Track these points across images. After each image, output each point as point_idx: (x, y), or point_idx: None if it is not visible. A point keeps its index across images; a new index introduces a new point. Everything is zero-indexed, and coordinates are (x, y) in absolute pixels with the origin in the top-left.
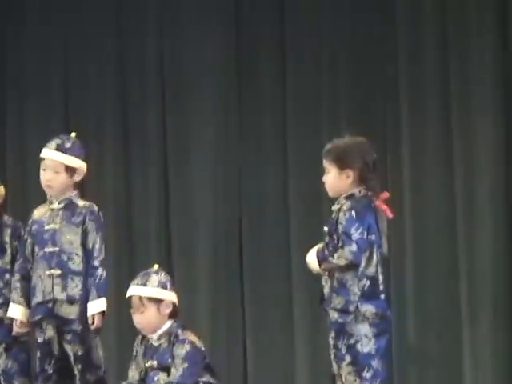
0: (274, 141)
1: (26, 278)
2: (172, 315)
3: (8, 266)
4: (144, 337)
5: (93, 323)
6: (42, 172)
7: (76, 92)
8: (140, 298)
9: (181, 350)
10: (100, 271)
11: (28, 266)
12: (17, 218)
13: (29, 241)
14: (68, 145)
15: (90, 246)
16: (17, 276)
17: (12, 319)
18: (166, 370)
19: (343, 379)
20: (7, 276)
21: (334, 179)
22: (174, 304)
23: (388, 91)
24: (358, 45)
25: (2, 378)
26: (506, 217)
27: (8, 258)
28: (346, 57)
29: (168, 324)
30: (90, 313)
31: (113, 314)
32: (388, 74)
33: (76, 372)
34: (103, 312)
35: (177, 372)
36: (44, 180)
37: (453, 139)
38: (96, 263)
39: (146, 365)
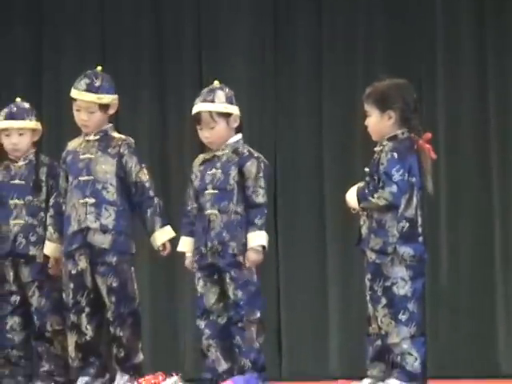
0: (310, 81)
1: (60, 213)
2: (238, 129)
3: (43, 205)
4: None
5: (164, 250)
6: (76, 113)
7: (112, 28)
8: (210, 113)
9: (256, 168)
10: (157, 200)
11: (61, 199)
12: (52, 155)
13: (62, 173)
14: (98, 83)
15: (138, 180)
16: (51, 211)
17: (47, 257)
18: (227, 182)
19: (379, 321)
20: (42, 214)
21: (376, 121)
22: (239, 117)
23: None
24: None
25: (35, 317)
26: None
27: (43, 196)
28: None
29: (236, 137)
30: (160, 241)
31: (146, 248)
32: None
33: (109, 304)
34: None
35: (258, 193)
36: (79, 120)
37: (488, 83)
38: (151, 193)
39: (208, 172)
